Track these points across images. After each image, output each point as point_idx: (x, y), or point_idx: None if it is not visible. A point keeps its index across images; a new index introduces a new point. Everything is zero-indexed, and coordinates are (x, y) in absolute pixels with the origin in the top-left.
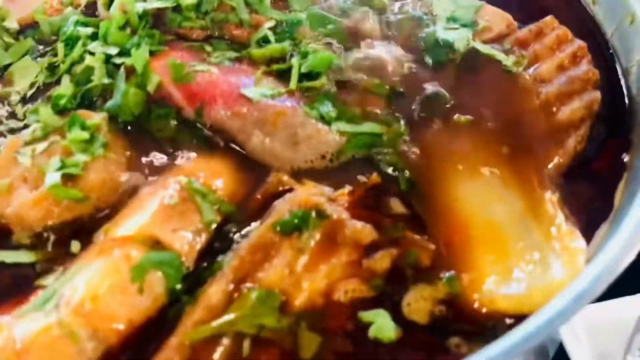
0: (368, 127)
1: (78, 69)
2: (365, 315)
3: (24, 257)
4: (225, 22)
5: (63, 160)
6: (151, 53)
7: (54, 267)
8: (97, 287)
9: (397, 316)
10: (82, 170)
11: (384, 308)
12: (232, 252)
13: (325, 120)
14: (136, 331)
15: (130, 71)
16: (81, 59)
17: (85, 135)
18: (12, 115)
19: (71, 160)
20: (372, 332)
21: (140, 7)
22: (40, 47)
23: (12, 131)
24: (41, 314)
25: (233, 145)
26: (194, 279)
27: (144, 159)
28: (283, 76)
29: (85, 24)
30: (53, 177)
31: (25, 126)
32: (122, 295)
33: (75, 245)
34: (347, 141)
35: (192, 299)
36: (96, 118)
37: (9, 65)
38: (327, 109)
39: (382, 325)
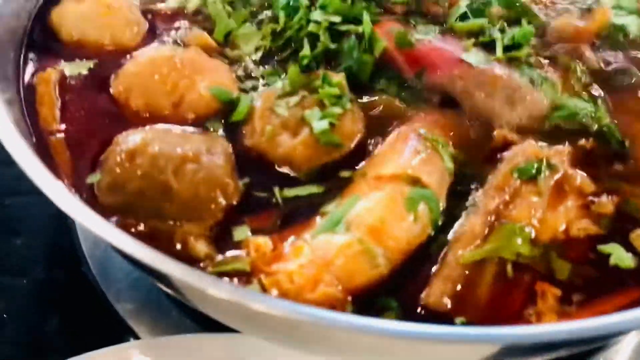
0: (573, 103)
1: (301, 34)
2: (604, 248)
3: (301, 191)
4: None
5: (322, 111)
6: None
7: (326, 199)
8: (383, 213)
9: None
10: (337, 120)
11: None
12: (480, 193)
13: (534, 84)
14: (412, 254)
15: (354, 37)
16: (301, 26)
17: (337, 90)
18: (248, 75)
19: (328, 111)
20: (612, 261)
21: None
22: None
23: (254, 89)
24: (335, 235)
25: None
26: (448, 216)
27: (373, 114)
28: (485, 47)
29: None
30: (322, 124)
31: (266, 85)
32: (402, 221)
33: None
34: (553, 110)
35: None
36: (338, 77)
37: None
38: (535, 75)
39: (620, 255)
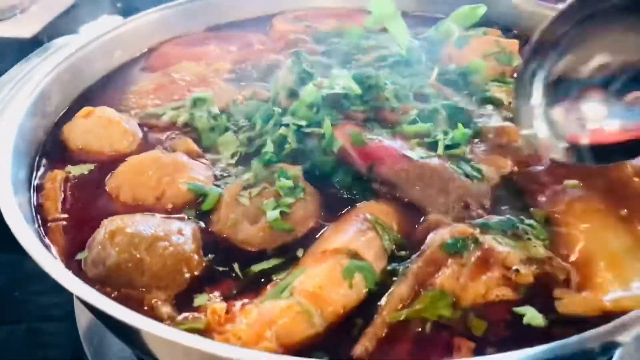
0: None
1: (273, 137)
2: (518, 310)
3: (259, 266)
4: (381, 108)
5: (277, 201)
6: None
7: (281, 269)
8: (322, 281)
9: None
10: (289, 209)
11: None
12: (411, 264)
13: (468, 176)
14: (345, 317)
15: (317, 137)
16: (274, 130)
17: (290, 183)
18: (224, 174)
19: (282, 201)
20: (525, 320)
21: (325, 92)
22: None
23: (226, 184)
24: (280, 300)
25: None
26: (382, 286)
27: (329, 202)
28: (429, 147)
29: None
30: (273, 214)
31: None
32: (338, 287)
33: (298, 254)
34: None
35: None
36: (294, 170)
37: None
38: (468, 168)
39: (533, 315)
